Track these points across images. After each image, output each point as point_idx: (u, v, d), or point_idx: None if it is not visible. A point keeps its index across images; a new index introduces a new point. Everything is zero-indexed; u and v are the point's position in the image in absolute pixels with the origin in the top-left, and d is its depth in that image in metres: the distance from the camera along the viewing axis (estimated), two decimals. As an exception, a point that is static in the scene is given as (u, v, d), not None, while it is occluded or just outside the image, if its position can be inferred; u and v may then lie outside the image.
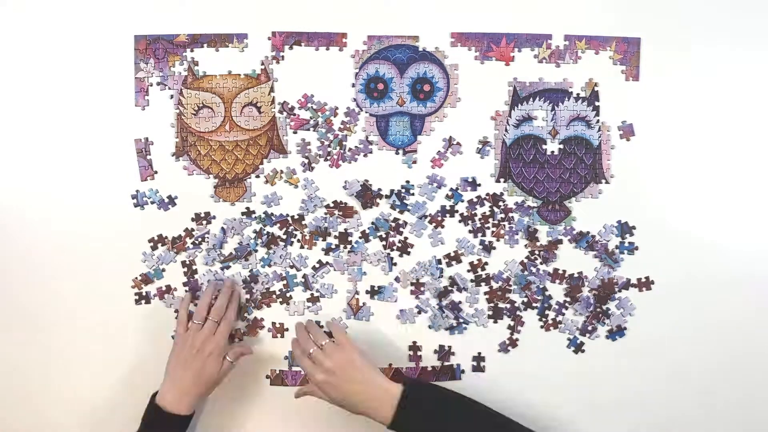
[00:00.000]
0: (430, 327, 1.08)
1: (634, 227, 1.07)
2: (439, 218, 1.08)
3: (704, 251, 1.07)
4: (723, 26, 1.07)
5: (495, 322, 1.08)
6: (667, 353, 1.07)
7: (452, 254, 1.08)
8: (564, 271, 1.08)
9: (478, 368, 1.08)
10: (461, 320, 1.08)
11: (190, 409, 0.96)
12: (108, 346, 1.08)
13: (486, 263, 1.08)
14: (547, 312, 1.08)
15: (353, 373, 0.92)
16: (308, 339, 0.97)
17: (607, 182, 1.08)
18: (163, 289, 1.08)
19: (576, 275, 1.08)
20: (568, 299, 1.08)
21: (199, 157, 1.09)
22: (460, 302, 1.08)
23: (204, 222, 1.08)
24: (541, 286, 1.08)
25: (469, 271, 1.08)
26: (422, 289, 1.08)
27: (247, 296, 1.09)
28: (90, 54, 1.07)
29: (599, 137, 1.08)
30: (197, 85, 1.08)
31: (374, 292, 1.08)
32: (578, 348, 1.08)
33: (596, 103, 1.08)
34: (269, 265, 1.08)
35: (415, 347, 1.09)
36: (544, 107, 1.08)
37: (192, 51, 1.08)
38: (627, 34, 1.07)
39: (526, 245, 1.08)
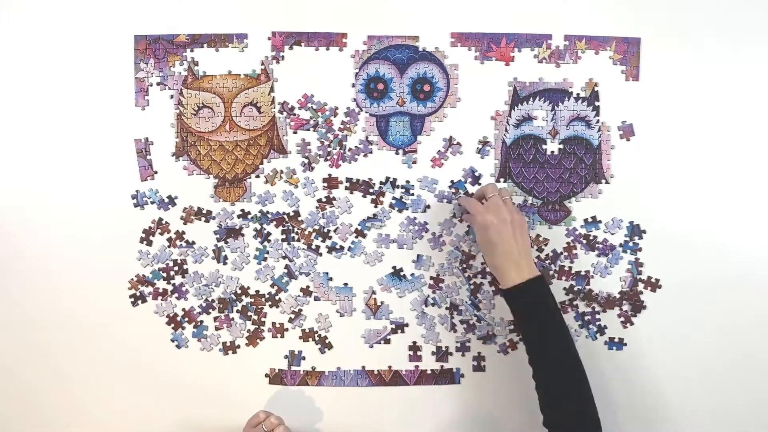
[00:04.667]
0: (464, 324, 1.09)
1: (644, 231, 1.08)
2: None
3: (705, 251, 1.07)
4: (723, 26, 1.07)
5: (512, 330, 1.08)
6: (669, 354, 1.07)
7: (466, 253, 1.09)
8: (570, 268, 1.08)
9: (478, 368, 1.08)
10: (481, 319, 1.08)
11: None
12: (107, 346, 1.08)
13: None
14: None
15: (521, 234, 0.95)
16: (489, 190, 0.99)
17: (607, 182, 1.08)
18: (160, 290, 1.08)
19: (583, 273, 1.08)
20: (571, 296, 1.08)
21: (199, 157, 1.09)
22: (480, 302, 1.08)
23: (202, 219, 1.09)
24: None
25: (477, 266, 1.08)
26: (440, 285, 1.08)
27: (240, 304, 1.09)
28: (90, 54, 1.07)
29: (599, 137, 1.08)
30: (197, 85, 1.08)
31: (398, 273, 1.08)
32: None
33: (596, 103, 1.08)
34: (264, 259, 1.08)
35: (415, 347, 1.08)
36: (544, 107, 1.08)
37: (192, 51, 1.08)
38: (627, 34, 1.07)
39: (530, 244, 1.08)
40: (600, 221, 1.08)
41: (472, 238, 1.08)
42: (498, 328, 1.08)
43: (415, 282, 1.08)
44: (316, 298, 1.09)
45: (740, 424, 1.07)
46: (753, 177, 1.07)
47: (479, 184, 1.08)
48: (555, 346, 0.92)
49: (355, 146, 1.08)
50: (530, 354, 0.93)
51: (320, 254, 1.09)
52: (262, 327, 1.09)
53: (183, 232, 1.08)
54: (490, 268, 1.01)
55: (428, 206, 1.08)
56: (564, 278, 1.08)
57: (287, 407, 1.07)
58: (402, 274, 1.08)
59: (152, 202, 1.09)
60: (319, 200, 1.09)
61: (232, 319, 1.08)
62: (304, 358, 1.08)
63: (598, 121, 1.08)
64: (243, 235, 1.08)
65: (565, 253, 1.08)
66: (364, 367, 1.08)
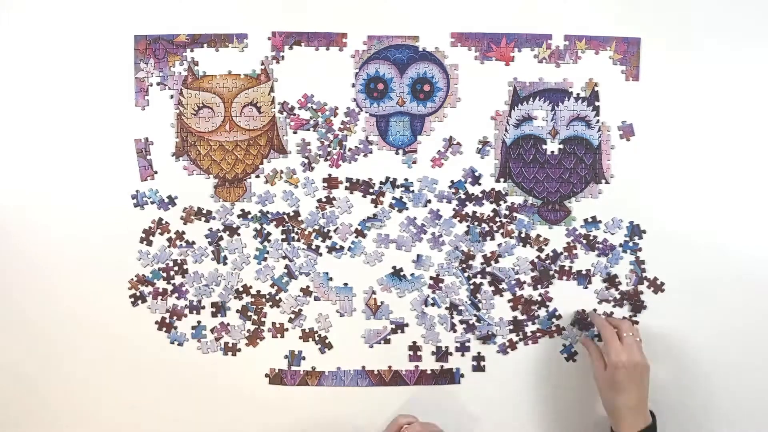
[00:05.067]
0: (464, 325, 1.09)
1: (644, 231, 1.08)
2: (463, 213, 1.08)
3: (705, 251, 1.07)
4: (723, 26, 1.07)
5: (512, 330, 1.08)
6: (669, 355, 1.07)
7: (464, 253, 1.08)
8: (570, 268, 1.08)
9: (478, 368, 1.08)
10: (481, 319, 1.08)
11: None
12: (107, 346, 1.08)
13: (497, 262, 1.08)
14: (553, 320, 1.08)
15: (645, 381, 0.94)
16: (625, 328, 0.96)
17: (607, 182, 1.08)
18: (159, 290, 1.08)
19: (584, 272, 1.08)
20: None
21: (199, 157, 1.09)
22: (479, 302, 1.08)
23: (202, 219, 1.09)
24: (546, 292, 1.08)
25: (479, 267, 1.08)
26: (440, 285, 1.08)
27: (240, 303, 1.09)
28: (90, 54, 1.07)
29: (599, 137, 1.08)
30: (197, 85, 1.08)
31: (398, 273, 1.08)
32: (571, 356, 1.08)
33: (596, 103, 1.08)
34: (264, 259, 1.08)
35: (415, 347, 1.08)
36: (544, 107, 1.08)
37: (192, 51, 1.08)
38: (627, 34, 1.07)
39: (530, 244, 1.08)
40: (600, 221, 1.08)
41: (472, 238, 1.08)
42: (497, 328, 1.08)
43: (415, 282, 1.08)
44: (316, 298, 1.09)
45: (741, 424, 1.07)
46: (753, 177, 1.07)
47: (479, 184, 1.08)
48: None
49: (355, 146, 1.08)
50: None
51: (320, 254, 1.09)
52: (262, 327, 1.09)
53: (183, 232, 1.09)
54: (604, 406, 0.98)
55: (429, 201, 1.08)
56: (564, 278, 1.08)
57: (287, 407, 1.07)
58: (402, 274, 1.08)
59: (152, 202, 1.09)
60: (319, 200, 1.09)
61: (228, 324, 1.08)
62: (304, 358, 1.08)
63: (598, 121, 1.08)
64: (239, 234, 1.08)
65: (565, 253, 1.08)
66: (364, 367, 1.08)
